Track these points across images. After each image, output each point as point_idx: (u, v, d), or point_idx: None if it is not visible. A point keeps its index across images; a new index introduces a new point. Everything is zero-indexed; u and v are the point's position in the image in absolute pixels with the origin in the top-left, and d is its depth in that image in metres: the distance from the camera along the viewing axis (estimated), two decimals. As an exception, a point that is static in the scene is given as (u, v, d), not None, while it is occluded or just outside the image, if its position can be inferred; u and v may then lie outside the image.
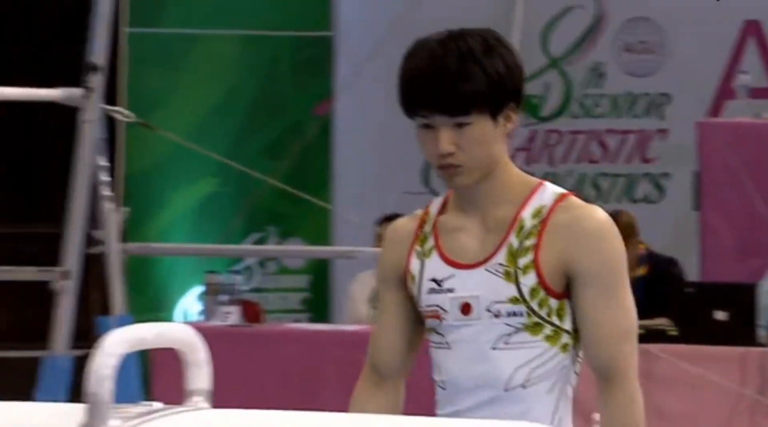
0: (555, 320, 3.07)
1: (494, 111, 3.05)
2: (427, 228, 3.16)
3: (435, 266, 3.12)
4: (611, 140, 9.89)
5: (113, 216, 6.98)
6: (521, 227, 3.08)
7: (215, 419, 2.03)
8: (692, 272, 8.27)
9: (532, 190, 3.11)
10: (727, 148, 7.96)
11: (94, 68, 6.49)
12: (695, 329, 7.28)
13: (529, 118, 9.88)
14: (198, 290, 9.04)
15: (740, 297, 7.35)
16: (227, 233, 9.19)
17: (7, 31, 8.86)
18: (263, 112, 9.80)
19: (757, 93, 8.83)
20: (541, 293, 3.06)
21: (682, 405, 7.19)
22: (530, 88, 9.82)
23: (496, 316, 3.06)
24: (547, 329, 3.07)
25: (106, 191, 6.96)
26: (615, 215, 8.12)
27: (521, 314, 3.06)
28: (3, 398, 2.19)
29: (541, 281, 3.05)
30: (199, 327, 2.11)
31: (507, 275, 3.06)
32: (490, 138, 3.07)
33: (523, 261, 3.06)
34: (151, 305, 9.27)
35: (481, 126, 3.05)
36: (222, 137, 9.44)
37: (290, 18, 9.76)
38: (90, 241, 6.79)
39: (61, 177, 6.63)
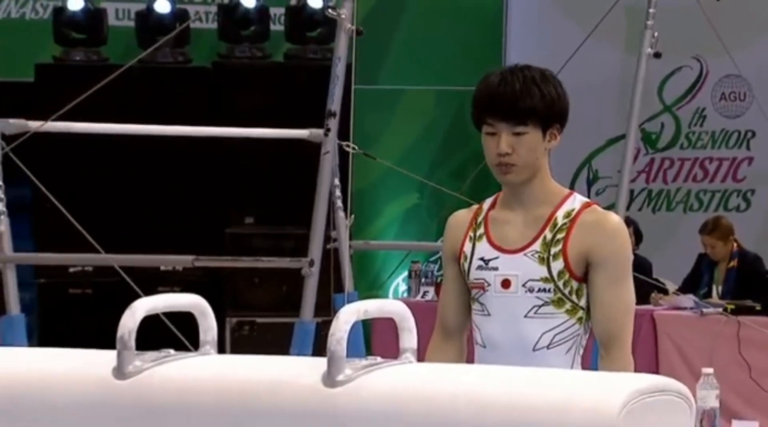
0: (574, 298, 2.98)
1: (544, 127, 2.97)
2: (480, 219, 3.07)
3: (484, 249, 3.04)
4: (710, 165, 9.73)
5: (344, 221, 7.03)
6: (555, 224, 2.99)
7: (421, 370, 2.02)
8: (772, 263, 8.10)
9: (565, 197, 3.03)
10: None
11: (332, 114, 6.53)
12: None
13: (649, 149, 9.77)
14: (404, 274, 9.07)
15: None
16: (425, 233, 9.20)
17: (272, 88, 8.99)
18: (451, 145, 9.81)
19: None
20: (566, 275, 2.97)
21: (766, 362, 7.06)
22: (649, 127, 9.71)
23: (530, 291, 2.98)
24: (568, 305, 2.98)
25: (339, 203, 7.01)
26: (718, 219, 8.08)
27: (549, 291, 2.97)
28: (267, 353, 2.21)
29: (567, 266, 2.97)
30: (406, 302, 2.11)
31: (541, 260, 2.98)
32: (538, 148, 2.98)
33: (554, 250, 2.97)
34: (370, 285, 9.33)
35: (533, 136, 2.97)
36: (421, 163, 9.46)
37: (471, 76, 9.73)
38: (328, 239, 6.83)
39: (308, 192, 6.68)
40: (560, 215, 3.00)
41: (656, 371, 7.07)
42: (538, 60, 3.24)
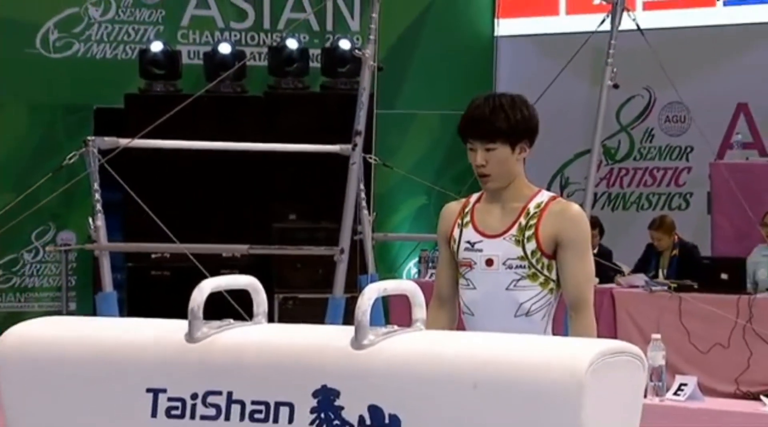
0: (546, 272, 2.95)
1: (512, 143, 2.96)
2: (467, 210, 3.06)
3: (470, 234, 3.01)
4: (657, 174, 9.71)
5: (367, 218, 7.03)
6: (528, 213, 2.98)
7: (430, 336, 2.02)
8: (707, 250, 8.07)
9: (535, 193, 3.02)
10: (728, 178, 7.78)
11: (358, 133, 6.54)
12: (709, 284, 7.14)
13: (609, 160, 9.76)
14: (415, 260, 9.06)
15: (736, 265, 7.20)
16: (432, 228, 9.15)
17: (311, 113, 8.98)
18: (453, 157, 9.76)
19: (746, 146, 8.67)
20: (538, 254, 2.94)
21: (702, 329, 7.03)
22: (609, 143, 9.67)
23: (509, 268, 2.95)
24: (541, 278, 2.95)
25: (363, 203, 7.01)
26: (663, 217, 8.05)
27: (525, 267, 2.95)
28: (307, 322, 2.21)
29: (539, 246, 2.94)
30: (417, 282, 2.10)
31: (517, 242, 2.96)
32: (508, 160, 2.97)
33: (527, 233, 2.95)
34: (388, 268, 9.32)
35: (502, 151, 2.96)
36: (429, 172, 9.45)
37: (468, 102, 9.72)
38: (355, 232, 6.84)
39: (339, 195, 6.69)
40: (532, 206, 2.99)
41: (615, 337, 7.05)
42: (520, 90, 3.23)
